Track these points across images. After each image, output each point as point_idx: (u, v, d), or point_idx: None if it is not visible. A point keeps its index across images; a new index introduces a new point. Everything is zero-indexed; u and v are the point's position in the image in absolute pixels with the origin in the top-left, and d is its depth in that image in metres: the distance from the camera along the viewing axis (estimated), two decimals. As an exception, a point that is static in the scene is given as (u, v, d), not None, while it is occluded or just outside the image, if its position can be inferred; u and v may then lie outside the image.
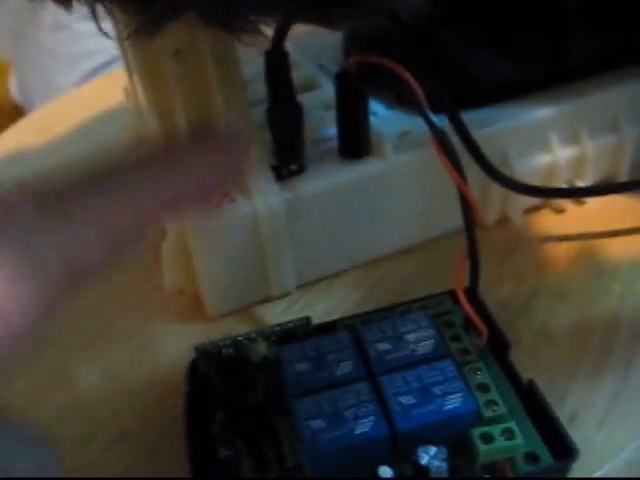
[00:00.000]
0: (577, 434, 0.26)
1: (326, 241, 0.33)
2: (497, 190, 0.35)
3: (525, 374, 0.28)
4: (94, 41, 0.86)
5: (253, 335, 0.29)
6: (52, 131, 0.50)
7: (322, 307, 0.33)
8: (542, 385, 0.27)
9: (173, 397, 0.29)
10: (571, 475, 0.26)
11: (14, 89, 1.09)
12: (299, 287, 0.34)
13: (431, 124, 0.26)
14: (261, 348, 0.28)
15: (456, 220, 0.27)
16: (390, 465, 0.24)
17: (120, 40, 0.32)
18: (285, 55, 0.29)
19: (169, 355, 0.32)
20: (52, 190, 0.18)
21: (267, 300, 0.33)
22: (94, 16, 0.23)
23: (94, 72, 0.90)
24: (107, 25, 0.26)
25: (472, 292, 0.28)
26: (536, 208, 0.38)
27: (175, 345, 0.32)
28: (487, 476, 0.25)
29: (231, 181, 0.24)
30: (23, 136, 0.52)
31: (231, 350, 0.29)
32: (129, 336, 0.33)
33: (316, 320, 0.31)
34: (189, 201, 0.20)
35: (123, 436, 0.29)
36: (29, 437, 0.18)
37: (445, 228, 0.35)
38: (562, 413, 0.27)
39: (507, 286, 0.33)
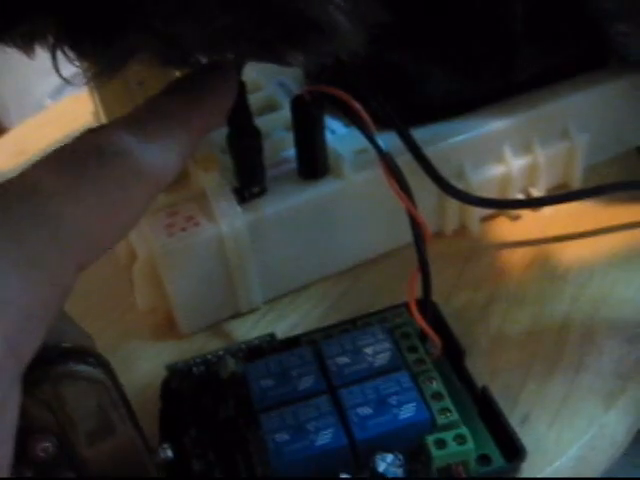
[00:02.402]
0: (529, 435, 0.28)
1: (289, 258, 0.34)
2: (454, 201, 0.36)
3: (480, 378, 0.29)
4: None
5: (221, 353, 0.30)
6: (26, 153, 0.51)
7: (288, 321, 0.34)
8: (497, 389, 0.29)
9: (149, 413, 0.30)
10: (522, 474, 0.27)
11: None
12: (266, 302, 0.35)
13: (377, 148, 0.27)
14: (229, 365, 0.30)
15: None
16: (350, 473, 0.25)
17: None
18: (242, 84, 0.30)
19: (144, 372, 0.33)
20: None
21: (236, 316, 0.35)
22: (54, 62, 0.25)
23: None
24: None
25: (425, 303, 0.29)
26: (492, 216, 0.39)
27: (149, 362, 0.34)
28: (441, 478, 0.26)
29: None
30: (-1, 158, 0.53)
31: (201, 368, 0.30)
32: (106, 354, 0.34)
33: (283, 333, 0.32)
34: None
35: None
36: None
37: (404, 240, 0.36)
38: (515, 415, 0.29)
39: (465, 294, 0.35)
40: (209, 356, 0.30)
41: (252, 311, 0.35)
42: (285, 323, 0.34)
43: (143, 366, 0.34)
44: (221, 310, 0.34)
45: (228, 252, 0.32)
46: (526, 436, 0.27)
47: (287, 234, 0.34)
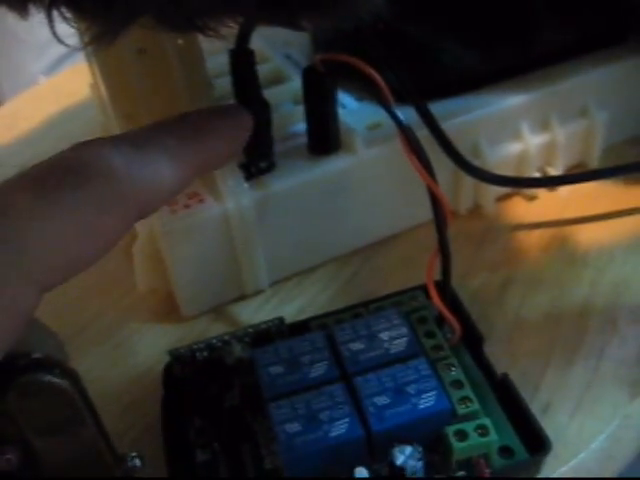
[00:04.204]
0: (550, 424, 0.27)
1: (297, 238, 0.33)
2: (469, 180, 0.35)
3: (499, 365, 0.28)
4: (63, 26, 0.84)
5: (226, 337, 0.29)
6: (20, 126, 0.49)
7: (296, 304, 0.33)
8: (516, 376, 0.27)
9: (150, 399, 0.29)
10: (545, 466, 0.26)
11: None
12: (272, 284, 0.34)
13: (397, 121, 0.25)
14: (235, 350, 0.28)
15: (429, 212, 0.27)
16: (366, 466, 0.24)
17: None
18: (250, 53, 0.29)
19: (145, 356, 0.32)
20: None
21: (241, 298, 0.33)
22: (51, 23, 0.23)
23: (64, 58, 0.89)
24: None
25: (444, 287, 0.28)
26: (508, 196, 0.38)
27: (150, 346, 0.32)
28: (462, 473, 0.25)
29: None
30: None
31: (205, 353, 0.29)
32: (105, 337, 0.33)
33: (290, 317, 0.31)
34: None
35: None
36: None
37: (418, 220, 0.35)
38: (536, 403, 0.28)
39: (480, 276, 0.34)
40: (214, 341, 0.28)
41: (257, 293, 0.33)
42: (292, 306, 0.33)
43: (143, 350, 0.32)
44: (225, 292, 0.33)
45: (233, 231, 0.31)
46: (547, 426, 0.26)
47: (296, 212, 0.32)
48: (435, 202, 0.26)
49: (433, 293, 0.27)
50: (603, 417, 0.28)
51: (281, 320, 0.29)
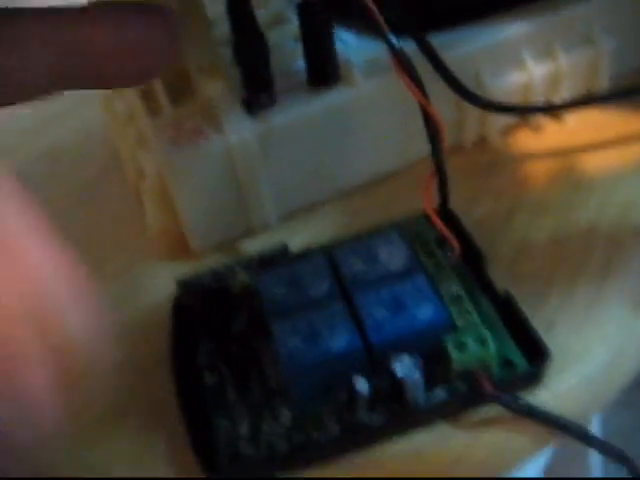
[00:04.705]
0: (555, 341, 0.27)
1: (301, 171, 0.33)
2: (472, 112, 0.35)
3: (503, 286, 0.28)
4: None
5: (232, 265, 0.29)
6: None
7: (302, 238, 0.33)
8: (520, 296, 0.27)
9: (161, 334, 0.30)
10: (549, 379, 0.26)
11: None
12: (280, 220, 0.34)
13: (390, 43, 0.26)
14: (241, 277, 0.29)
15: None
16: (366, 378, 0.24)
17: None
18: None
19: (156, 293, 0.32)
20: None
21: (248, 234, 0.34)
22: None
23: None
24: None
25: (443, 209, 0.28)
26: (513, 127, 0.37)
27: (161, 283, 0.33)
28: (462, 384, 0.25)
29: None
30: None
31: (212, 281, 0.29)
32: (116, 276, 0.34)
33: (297, 249, 0.31)
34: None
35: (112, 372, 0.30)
36: None
37: (421, 153, 0.35)
38: (540, 322, 0.28)
39: (485, 205, 0.34)
40: (220, 268, 0.29)
41: (265, 228, 0.34)
42: (298, 239, 0.33)
43: (155, 287, 0.33)
44: (233, 226, 0.33)
45: (238, 164, 0.31)
46: (552, 343, 0.26)
47: (298, 145, 0.32)
48: (428, 120, 0.26)
49: (430, 211, 0.28)
50: (607, 334, 0.28)
51: (285, 247, 0.30)
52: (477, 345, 0.25)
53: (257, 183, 0.32)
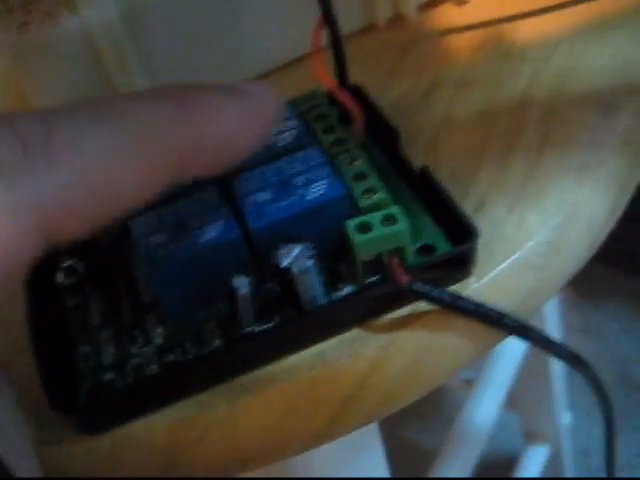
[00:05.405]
0: (486, 221, 0.23)
1: (182, 58, 0.28)
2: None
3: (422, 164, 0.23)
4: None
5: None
6: None
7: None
8: (444, 174, 0.23)
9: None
10: (481, 265, 0.21)
11: None
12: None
13: None
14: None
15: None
16: (248, 274, 0.20)
17: None
18: None
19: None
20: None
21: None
22: None
23: None
24: None
25: (344, 83, 0.23)
26: (435, 2, 0.32)
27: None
28: (373, 278, 0.20)
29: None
30: None
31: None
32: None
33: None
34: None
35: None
36: None
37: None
38: (467, 202, 0.23)
39: (403, 83, 0.29)
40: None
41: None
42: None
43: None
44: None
45: (102, 51, 0.26)
46: (482, 224, 0.22)
47: (173, 26, 0.27)
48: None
49: (328, 83, 0.23)
50: (547, 208, 0.23)
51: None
52: (385, 226, 0.20)
53: (128, 70, 0.27)
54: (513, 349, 0.51)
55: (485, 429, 0.50)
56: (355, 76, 0.25)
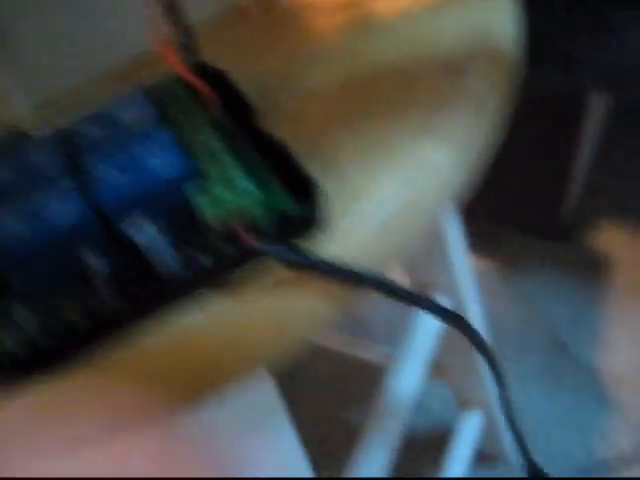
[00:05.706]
0: (340, 182, 0.24)
1: (57, 45, 0.28)
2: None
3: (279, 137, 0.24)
4: None
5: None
6: None
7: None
8: (305, 146, 0.24)
9: None
10: (333, 229, 0.23)
11: None
12: (37, 108, 0.29)
13: None
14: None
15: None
16: (100, 252, 0.20)
17: None
18: None
19: None
20: None
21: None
22: None
23: None
24: None
25: (193, 64, 0.24)
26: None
27: None
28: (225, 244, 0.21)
29: None
30: None
31: None
32: None
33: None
34: None
35: None
36: None
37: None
38: (322, 166, 0.24)
39: (259, 64, 0.30)
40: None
41: (18, 121, 0.29)
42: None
43: None
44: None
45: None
46: (336, 184, 0.23)
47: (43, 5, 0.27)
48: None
49: (175, 64, 0.23)
50: (399, 167, 0.24)
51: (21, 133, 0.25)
52: (231, 192, 0.21)
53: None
54: (430, 319, 0.53)
55: (409, 399, 0.51)
56: (220, 57, 0.26)
